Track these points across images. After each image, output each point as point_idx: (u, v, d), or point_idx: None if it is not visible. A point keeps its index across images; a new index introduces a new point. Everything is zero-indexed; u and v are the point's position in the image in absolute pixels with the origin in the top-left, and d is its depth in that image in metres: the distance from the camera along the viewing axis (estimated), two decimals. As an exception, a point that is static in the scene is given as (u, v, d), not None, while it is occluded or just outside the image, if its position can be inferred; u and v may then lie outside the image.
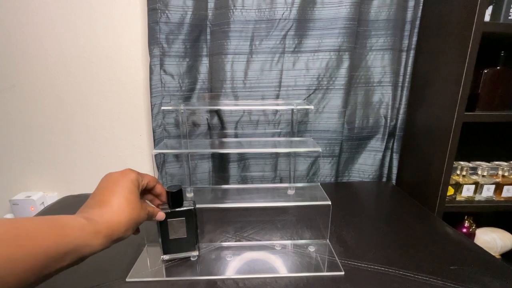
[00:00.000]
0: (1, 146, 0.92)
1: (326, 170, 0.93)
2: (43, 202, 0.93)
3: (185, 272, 0.50)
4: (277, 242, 0.59)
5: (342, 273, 0.49)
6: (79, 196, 0.80)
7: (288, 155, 0.78)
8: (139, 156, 0.95)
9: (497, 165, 0.85)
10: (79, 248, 0.31)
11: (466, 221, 0.84)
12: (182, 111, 0.65)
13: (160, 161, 0.88)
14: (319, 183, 0.68)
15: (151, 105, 0.84)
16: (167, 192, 0.49)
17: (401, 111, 0.90)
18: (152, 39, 0.80)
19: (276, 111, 0.87)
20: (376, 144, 0.93)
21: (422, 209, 0.75)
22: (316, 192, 0.61)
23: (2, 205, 0.96)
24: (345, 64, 0.84)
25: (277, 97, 0.86)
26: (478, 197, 0.81)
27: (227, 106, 0.82)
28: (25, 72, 0.86)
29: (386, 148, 0.93)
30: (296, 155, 0.83)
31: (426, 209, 0.75)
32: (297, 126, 0.77)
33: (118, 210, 0.37)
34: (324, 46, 0.83)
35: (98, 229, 0.34)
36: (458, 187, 0.81)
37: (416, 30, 0.85)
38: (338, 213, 0.70)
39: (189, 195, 0.63)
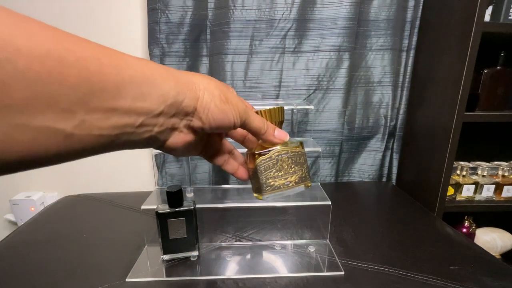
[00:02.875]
0: (1, 146, 0.92)
1: (326, 170, 0.93)
2: (43, 202, 0.93)
3: (185, 272, 0.50)
4: (277, 242, 0.59)
5: (342, 273, 0.49)
6: (79, 196, 0.80)
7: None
8: (139, 156, 0.95)
9: (497, 165, 0.85)
10: (140, 81, 0.20)
11: (466, 221, 0.84)
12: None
13: (160, 161, 0.88)
14: (319, 183, 0.68)
15: (151, 105, 0.84)
16: (167, 192, 0.49)
17: (401, 111, 0.90)
18: (152, 39, 0.80)
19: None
20: (376, 144, 0.93)
21: (422, 209, 0.75)
22: (316, 192, 0.61)
23: (2, 205, 0.96)
24: (345, 64, 0.84)
25: (277, 97, 0.86)
26: (478, 197, 0.81)
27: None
28: (25, 72, 0.86)
29: (386, 148, 0.93)
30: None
31: (426, 209, 0.75)
32: (297, 126, 0.77)
33: (203, 75, 0.27)
34: (324, 46, 0.83)
35: (171, 71, 0.24)
36: (458, 187, 0.81)
37: (416, 30, 0.85)
38: (338, 213, 0.69)
39: (189, 195, 0.63)
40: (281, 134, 0.33)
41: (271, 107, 0.35)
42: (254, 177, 0.35)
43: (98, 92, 0.18)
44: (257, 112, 0.34)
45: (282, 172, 0.35)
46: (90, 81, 0.17)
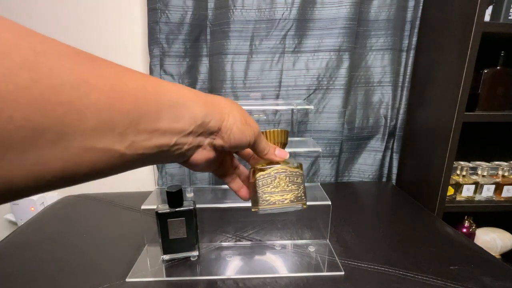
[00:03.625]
0: (1, 146, 0.92)
1: (326, 170, 0.93)
2: (43, 202, 0.93)
3: (185, 272, 0.50)
4: (277, 242, 0.59)
5: (342, 273, 0.49)
6: (79, 196, 0.80)
7: (288, 155, 0.77)
8: (139, 156, 0.95)
9: (497, 165, 0.85)
10: (175, 105, 0.23)
11: (466, 221, 0.84)
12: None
13: (160, 161, 0.88)
14: (319, 183, 0.68)
15: (151, 105, 0.84)
16: (167, 192, 0.49)
17: (401, 111, 0.90)
18: (152, 39, 0.80)
19: (276, 111, 0.87)
20: (376, 144, 0.93)
21: (422, 209, 0.75)
22: (316, 192, 0.61)
23: (2, 205, 0.96)
24: (345, 64, 0.84)
25: (277, 97, 0.86)
26: (478, 197, 0.81)
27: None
28: (25, 72, 0.86)
29: (386, 148, 0.93)
30: (296, 155, 0.83)
31: (426, 209, 0.75)
32: (297, 126, 0.78)
33: (226, 99, 0.30)
34: (324, 46, 0.83)
35: (200, 95, 0.27)
36: (458, 187, 0.81)
37: (416, 30, 0.85)
38: (338, 213, 0.69)
39: (189, 195, 0.63)
40: (281, 153, 0.37)
41: (277, 129, 0.38)
42: (253, 190, 0.38)
43: (144, 116, 0.21)
44: (263, 132, 0.37)
45: (279, 189, 0.38)
46: (138, 107, 0.20)
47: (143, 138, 0.21)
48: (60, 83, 0.16)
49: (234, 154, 0.38)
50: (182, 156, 0.26)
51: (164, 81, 0.24)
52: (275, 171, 0.37)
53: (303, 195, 0.39)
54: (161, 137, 0.22)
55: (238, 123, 0.29)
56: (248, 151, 0.37)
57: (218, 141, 0.28)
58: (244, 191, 0.39)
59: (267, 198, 0.37)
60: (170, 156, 0.25)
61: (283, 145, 0.39)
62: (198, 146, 0.28)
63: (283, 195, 0.38)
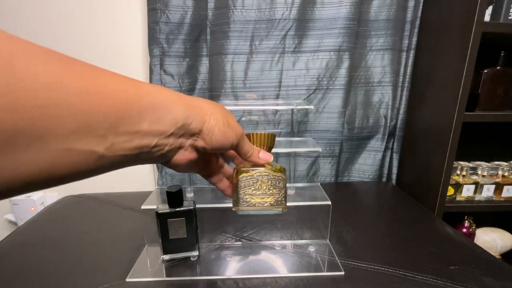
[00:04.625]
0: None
1: (326, 170, 0.93)
2: (43, 202, 0.93)
3: (185, 272, 0.50)
4: (277, 242, 0.59)
5: (342, 273, 0.49)
6: (79, 196, 0.80)
7: (288, 155, 0.77)
8: (139, 156, 0.95)
9: (497, 165, 0.85)
10: (156, 107, 0.23)
11: (466, 221, 0.84)
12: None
13: (160, 161, 0.88)
14: (319, 183, 0.68)
15: (151, 105, 0.84)
16: (167, 192, 0.49)
17: (401, 111, 0.90)
18: (152, 39, 0.80)
19: (276, 111, 0.87)
20: (376, 144, 0.93)
21: (422, 209, 0.75)
22: (316, 192, 0.61)
23: (2, 205, 0.96)
24: (345, 64, 0.84)
25: (277, 97, 0.86)
26: (478, 197, 0.81)
27: (227, 106, 0.81)
28: (25, 72, 0.86)
29: (386, 148, 0.93)
30: (296, 155, 0.83)
31: (426, 209, 0.75)
32: (297, 126, 0.78)
33: (209, 101, 0.31)
34: (324, 46, 0.83)
35: (181, 97, 0.27)
36: (458, 187, 0.81)
37: (416, 30, 0.85)
38: (338, 213, 0.69)
39: (189, 195, 0.63)
40: (265, 156, 0.38)
41: (264, 132, 0.38)
42: (234, 191, 0.38)
43: (125, 118, 0.21)
44: (249, 134, 0.37)
45: (260, 192, 0.38)
46: (119, 109, 0.21)
47: (123, 140, 0.21)
48: (36, 87, 0.16)
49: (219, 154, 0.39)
50: (163, 157, 0.27)
51: (145, 83, 0.24)
52: (258, 173, 0.38)
53: (283, 199, 0.39)
54: (142, 139, 0.23)
55: (220, 125, 0.29)
56: (232, 152, 0.37)
57: (200, 143, 0.29)
58: (229, 191, 0.40)
59: (248, 199, 0.38)
60: (151, 157, 0.25)
61: (269, 149, 0.39)
62: (180, 148, 0.28)
63: (263, 198, 0.39)
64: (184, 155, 0.29)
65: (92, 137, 0.19)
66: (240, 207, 0.38)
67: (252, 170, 0.37)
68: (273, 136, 0.39)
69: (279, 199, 0.39)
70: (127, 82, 0.22)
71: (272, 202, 0.39)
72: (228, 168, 0.40)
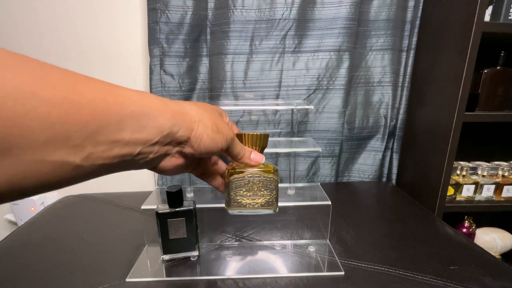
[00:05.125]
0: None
1: (326, 170, 0.93)
2: (43, 202, 0.93)
3: (185, 272, 0.50)
4: (277, 242, 0.59)
5: (342, 273, 0.49)
6: (79, 196, 0.80)
7: (288, 155, 0.77)
8: (139, 156, 0.95)
9: (497, 165, 0.85)
10: (139, 115, 0.23)
11: (466, 221, 0.84)
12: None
13: (160, 161, 0.88)
14: (319, 183, 0.68)
15: (151, 105, 0.84)
16: (167, 192, 0.49)
17: (401, 111, 0.90)
18: (152, 39, 0.80)
19: (276, 111, 0.87)
20: (376, 144, 0.93)
21: (422, 209, 0.75)
22: (316, 192, 0.61)
23: (2, 205, 0.96)
24: (345, 64, 0.84)
25: (277, 97, 0.86)
26: (478, 197, 0.81)
27: (227, 106, 0.82)
28: (25, 72, 0.86)
29: (386, 148, 0.93)
30: (296, 155, 0.83)
31: (426, 209, 0.75)
32: (297, 126, 0.78)
33: (198, 105, 0.30)
34: (324, 46, 0.83)
35: (168, 104, 0.26)
36: (458, 187, 0.81)
37: (416, 30, 0.85)
38: (338, 213, 0.70)
39: (189, 195, 0.63)
40: (256, 158, 0.37)
41: (258, 132, 0.38)
42: (226, 190, 0.39)
43: (104, 128, 0.20)
44: (241, 135, 0.37)
45: (251, 193, 0.39)
46: (98, 118, 0.20)
47: (103, 149, 0.20)
48: (2, 96, 0.15)
49: None
50: (148, 164, 0.26)
51: (128, 91, 0.23)
52: (249, 175, 0.38)
53: (274, 200, 0.40)
54: (123, 148, 0.22)
55: (208, 131, 0.28)
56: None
57: (188, 150, 0.28)
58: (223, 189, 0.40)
59: (239, 200, 0.39)
60: (135, 164, 0.25)
61: (261, 149, 0.39)
62: (166, 155, 0.27)
63: (254, 199, 0.39)
64: (171, 162, 0.28)
65: (67, 147, 0.18)
66: (231, 208, 0.39)
67: (243, 171, 0.38)
68: (265, 136, 0.39)
69: (270, 200, 0.39)
70: (107, 89, 0.21)
71: (263, 203, 0.39)
72: (222, 165, 0.40)
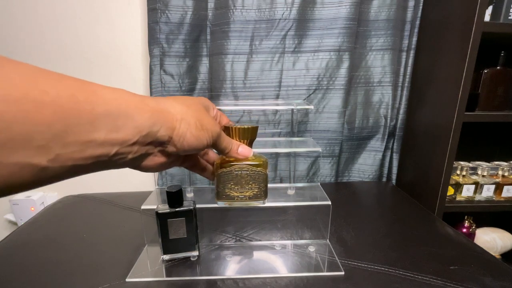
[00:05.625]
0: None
1: (326, 170, 0.93)
2: (43, 202, 0.93)
3: (185, 272, 0.50)
4: (277, 242, 0.59)
5: (342, 273, 0.49)
6: (79, 196, 0.80)
7: (288, 155, 0.77)
8: (139, 156, 0.95)
9: (497, 165, 0.85)
10: (115, 114, 0.21)
11: (466, 221, 0.84)
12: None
13: (160, 161, 0.88)
14: (319, 183, 0.68)
15: (151, 105, 0.84)
16: (167, 192, 0.49)
17: (401, 111, 0.90)
18: (152, 39, 0.80)
19: (276, 111, 0.87)
20: (376, 144, 0.93)
21: (422, 209, 0.75)
22: (316, 192, 0.61)
23: (2, 205, 0.96)
24: (345, 64, 0.84)
25: (277, 97, 0.86)
26: (478, 197, 0.81)
27: (227, 106, 0.82)
28: (25, 72, 0.86)
29: (386, 148, 0.93)
30: (296, 155, 0.83)
31: (426, 209, 0.75)
32: (297, 126, 0.77)
33: (181, 101, 0.28)
34: (324, 46, 0.83)
35: (147, 102, 0.25)
36: (458, 187, 0.81)
37: (416, 30, 0.85)
38: (338, 213, 0.70)
39: (189, 195, 0.63)
40: (244, 151, 0.37)
41: (246, 125, 0.38)
42: (215, 183, 0.40)
43: (74, 127, 0.19)
44: (229, 128, 0.37)
45: (239, 186, 0.39)
46: (65, 118, 0.18)
47: (73, 150, 0.19)
48: None
49: None
50: (128, 164, 0.25)
51: (103, 88, 0.22)
52: (237, 169, 0.38)
53: (262, 193, 0.41)
54: (97, 148, 0.21)
55: (192, 129, 0.27)
56: None
57: (171, 148, 0.27)
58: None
59: (227, 193, 0.40)
60: (113, 164, 0.23)
61: (250, 142, 0.39)
62: (148, 154, 0.26)
63: (242, 192, 0.40)
64: (154, 161, 0.27)
65: (30, 149, 0.17)
66: (220, 200, 0.40)
67: (232, 164, 0.38)
68: (253, 129, 0.38)
69: (259, 193, 0.40)
70: (77, 87, 0.20)
71: (250, 196, 0.40)
72: (213, 155, 0.39)
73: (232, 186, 0.39)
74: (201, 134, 0.28)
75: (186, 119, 0.27)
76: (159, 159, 0.28)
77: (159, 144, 0.26)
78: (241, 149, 0.36)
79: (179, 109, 0.27)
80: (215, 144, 0.32)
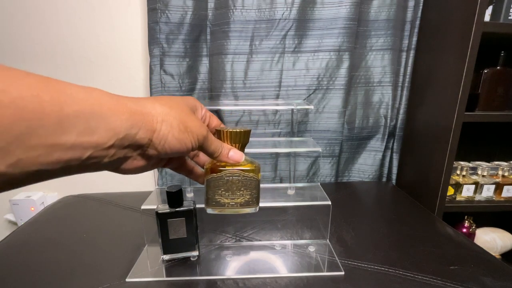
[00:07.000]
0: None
1: (326, 170, 0.93)
2: (43, 202, 0.93)
3: (185, 272, 0.50)
4: (277, 242, 0.59)
5: (342, 273, 0.49)
6: (79, 196, 0.80)
7: (288, 155, 0.77)
8: (139, 156, 0.95)
9: (497, 165, 0.85)
10: (87, 115, 0.20)
11: (466, 221, 0.84)
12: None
13: (160, 161, 0.88)
14: (319, 183, 0.68)
15: (151, 105, 0.84)
16: (167, 192, 0.49)
17: (401, 111, 0.90)
18: (152, 39, 0.80)
19: (276, 111, 0.87)
20: (376, 144, 0.93)
21: (422, 209, 0.75)
22: (316, 192, 0.61)
23: (2, 205, 0.96)
24: (345, 64, 0.84)
25: (277, 97, 0.86)
26: (478, 197, 0.81)
27: (227, 106, 0.82)
28: (25, 72, 0.86)
29: (386, 148, 0.93)
30: (296, 155, 0.83)
31: (426, 209, 0.75)
32: (297, 126, 0.78)
33: (163, 102, 0.27)
34: (324, 46, 0.83)
35: (124, 103, 0.23)
36: (458, 187, 0.81)
37: (416, 30, 0.85)
38: (338, 213, 0.69)
39: (189, 195, 0.63)
40: (235, 156, 0.34)
41: (238, 129, 0.35)
42: (205, 188, 0.37)
43: (38, 129, 0.18)
44: (220, 131, 0.35)
45: (230, 193, 0.37)
46: (27, 119, 0.17)
47: (37, 154, 0.18)
48: None
49: None
50: (103, 168, 0.24)
51: (74, 87, 0.20)
52: (228, 174, 0.36)
53: (254, 200, 0.38)
54: (66, 152, 0.19)
55: (174, 131, 0.26)
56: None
57: (151, 151, 0.26)
58: (203, 180, 0.37)
59: (218, 199, 0.37)
60: (87, 168, 0.22)
61: (242, 146, 0.37)
62: (126, 157, 0.25)
63: (233, 199, 0.37)
64: (133, 164, 0.26)
65: None
66: (209, 207, 0.37)
67: (222, 170, 0.35)
68: (246, 133, 0.36)
69: (250, 200, 0.38)
70: (43, 86, 0.18)
71: (242, 203, 0.38)
72: (204, 157, 0.37)
73: (223, 192, 0.36)
74: (185, 137, 0.27)
75: (167, 120, 0.25)
76: (138, 162, 0.26)
77: (138, 147, 0.25)
78: (232, 153, 0.34)
79: (160, 110, 0.25)
80: (202, 147, 0.30)
